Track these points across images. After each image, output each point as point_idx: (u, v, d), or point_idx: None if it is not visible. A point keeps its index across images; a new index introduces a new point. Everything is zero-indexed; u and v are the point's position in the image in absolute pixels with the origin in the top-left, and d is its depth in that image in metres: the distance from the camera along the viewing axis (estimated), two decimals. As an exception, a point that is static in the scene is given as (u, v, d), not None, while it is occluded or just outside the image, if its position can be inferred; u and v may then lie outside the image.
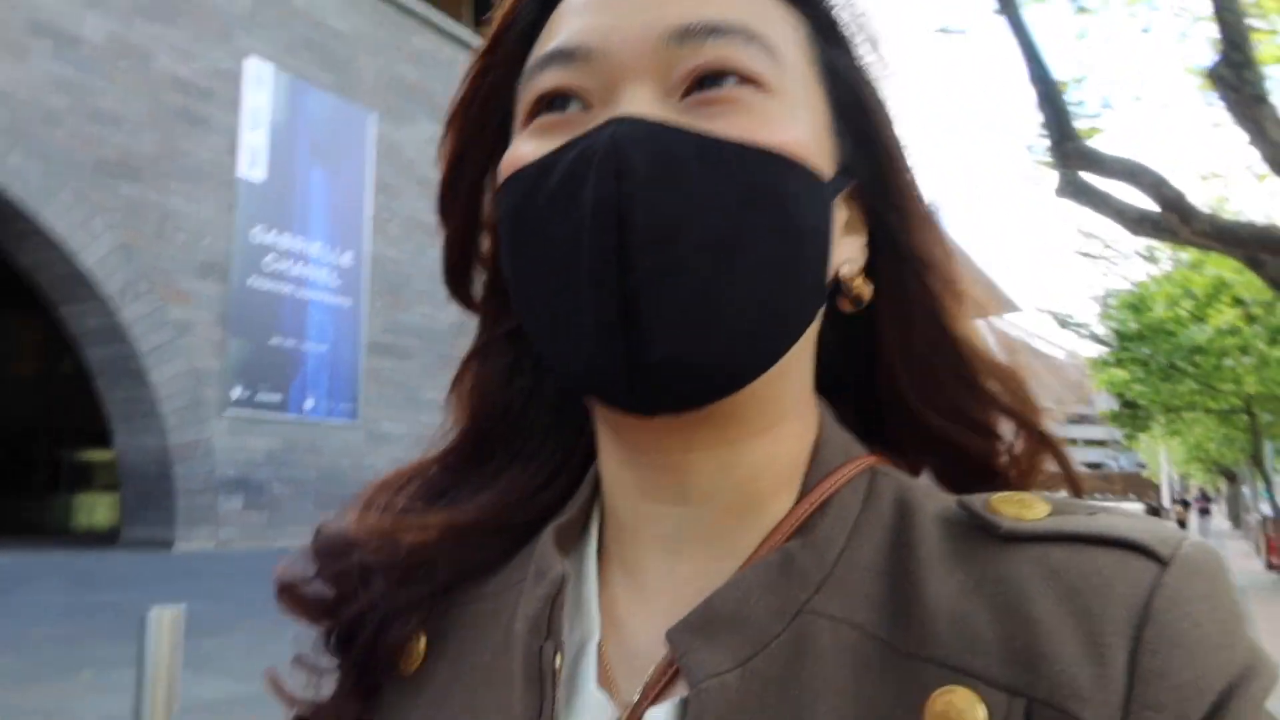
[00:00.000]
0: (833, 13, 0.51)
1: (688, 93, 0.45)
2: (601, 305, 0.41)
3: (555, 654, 0.45)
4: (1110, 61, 17.07)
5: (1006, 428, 0.52)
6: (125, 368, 12.28)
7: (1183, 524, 24.83)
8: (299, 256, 13.77)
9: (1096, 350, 17.57)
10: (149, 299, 12.26)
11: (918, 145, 0.52)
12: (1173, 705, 0.37)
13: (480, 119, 0.52)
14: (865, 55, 0.51)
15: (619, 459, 0.49)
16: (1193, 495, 27.08)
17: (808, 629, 0.42)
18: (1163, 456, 36.61)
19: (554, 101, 0.46)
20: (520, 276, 0.46)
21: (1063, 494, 0.48)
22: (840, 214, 0.49)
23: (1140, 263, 14.77)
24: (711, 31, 0.44)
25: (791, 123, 0.45)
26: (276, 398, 13.28)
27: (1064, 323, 16.23)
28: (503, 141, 0.51)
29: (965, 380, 0.51)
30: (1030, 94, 6.21)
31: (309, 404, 13.60)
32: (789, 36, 0.47)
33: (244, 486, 13.04)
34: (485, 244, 0.55)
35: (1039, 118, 6.40)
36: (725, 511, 0.47)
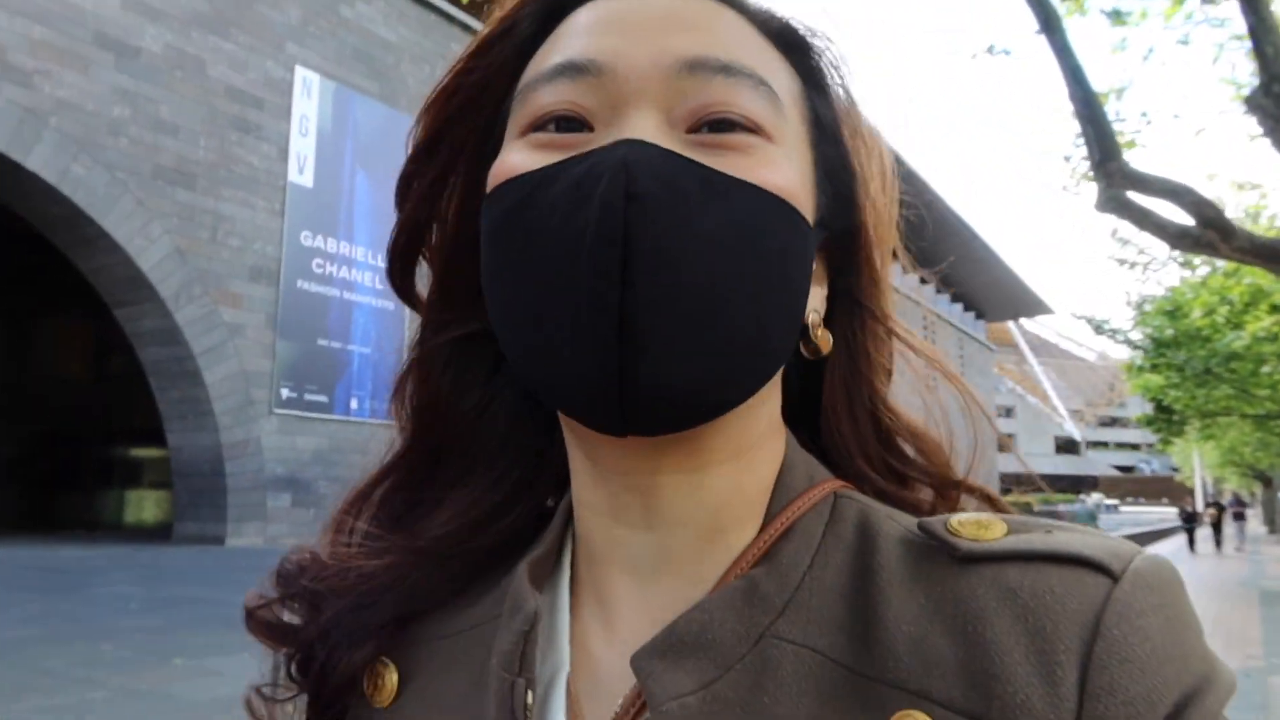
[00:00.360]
0: (820, 63, 0.51)
1: (694, 129, 0.44)
2: (599, 321, 0.40)
3: (527, 690, 0.45)
4: (1149, 74, 17.08)
5: (925, 484, 0.53)
6: (180, 369, 12.72)
7: (1217, 526, 24.60)
8: (345, 260, 14.19)
9: (1131, 355, 17.73)
10: (202, 302, 12.70)
11: (884, 201, 0.52)
12: None
13: (460, 113, 0.51)
14: (846, 108, 0.51)
15: (590, 480, 0.49)
16: (1227, 499, 26.89)
17: (770, 653, 0.42)
18: (1196, 460, 36.24)
19: (557, 119, 0.45)
20: (504, 284, 0.45)
21: (1022, 516, 0.47)
22: (815, 263, 0.50)
23: (1175, 269, 14.93)
24: (723, 69, 0.44)
25: (790, 169, 0.45)
26: (323, 398, 13.69)
27: (1099, 328, 16.37)
28: (479, 140, 0.51)
29: (885, 438, 0.52)
30: (1070, 110, 6.45)
31: (354, 404, 14.00)
32: (787, 87, 0.48)
33: (292, 484, 13.46)
34: (434, 237, 0.54)
35: (1076, 128, 6.63)
36: (694, 538, 0.47)
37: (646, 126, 0.43)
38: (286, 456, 13.46)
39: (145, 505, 16.99)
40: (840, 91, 0.51)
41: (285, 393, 13.29)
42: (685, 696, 0.41)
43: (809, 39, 0.51)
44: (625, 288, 0.40)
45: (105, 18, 11.94)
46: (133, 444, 17.08)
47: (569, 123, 0.45)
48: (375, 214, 14.78)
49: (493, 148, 0.49)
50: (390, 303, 15.00)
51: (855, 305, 0.52)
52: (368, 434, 14.56)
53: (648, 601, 0.47)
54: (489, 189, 0.46)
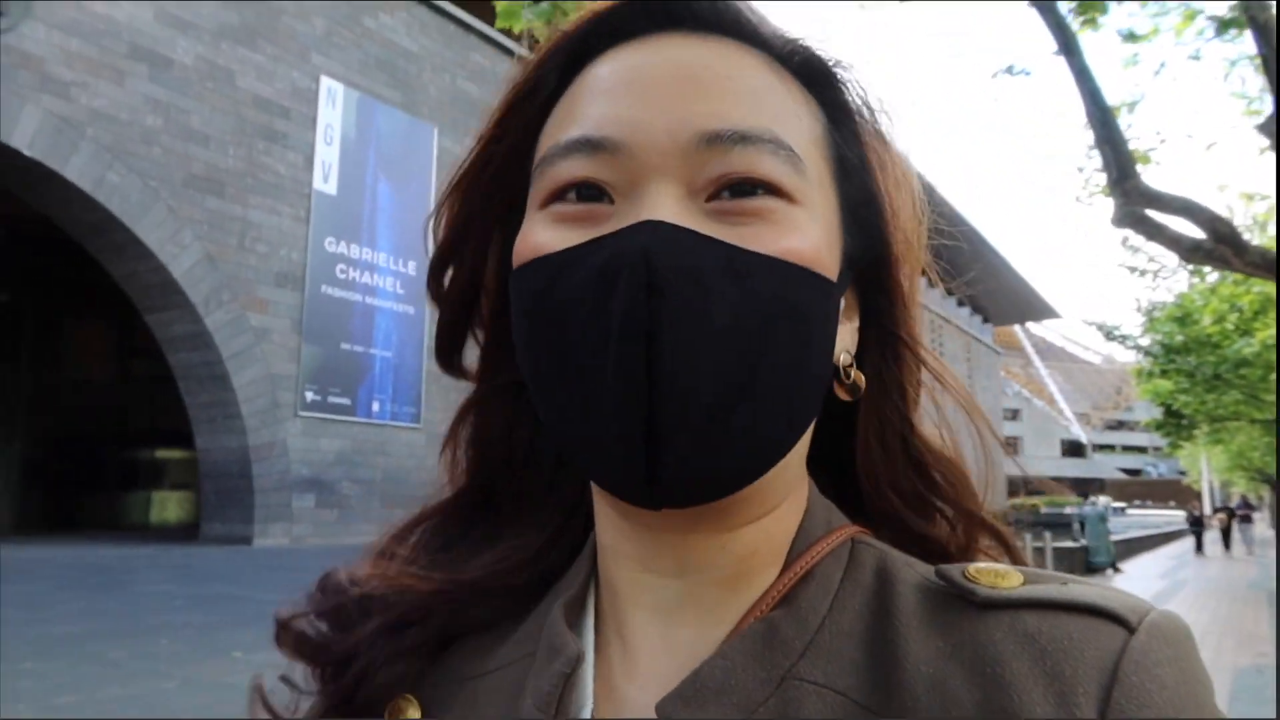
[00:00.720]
0: (845, 97, 0.51)
1: (713, 195, 0.44)
2: (626, 421, 0.41)
3: None
4: (1160, 88, 17.12)
5: (947, 512, 0.53)
6: (210, 372, 13.00)
7: (1226, 531, 24.68)
8: (367, 266, 14.48)
9: (1140, 360, 17.94)
10: (231, 307, 12.98)
11: (914, 229, 0.52)
12: None
13: (490, 187, 0.52)
14: (872, 140, 0.51)
15: (618, 532, 0.49)
16: (1234, 503, 27.01)
17: (792, 694, 0.43)
18: (1204, 464, 36.28)
19: (577, 189, 0.46)
20: (539, 368, 0.46)
21: (1036, 569, 0.47)
22: (847, 300, 0.50)
23: (1185, 276, 15.15)
24: (741, 139, 0.44)
25: (813, 230, 0.45)
26: (346, 401, 13.97)
27: (1110, 334, 16.59)
28: (509, 209, 0.51)
29: (918, 466, 0.53)
30: (1083, 122, 6.68)
31: (375, 407, 14.28)
32: (808, 133, 0.48)
33: (316, 485, 13.74)
34: (484, 306, 0.54)
35: (1088, 139, 6.82)
36: (719, 584, 0.47)
37: (666, 202, 0.44)
38: (311, 458, 13.74)
39: (169, 506, 17.29)
40: (866, 123, 0.52)
41: (310, 396, 13.57)
42: None
43: (832, 70, 0.51)
44: (651, 386, 0.41)
45: (139, 30, 12.25)
46: (156, 446, 17.41)
47: (589, 188, 0.45)
48: (397, 220, 15.07)
49: (521, 210, 0.49)
50: (411, 307, 15.28)
51: (886, 334, 0.53)
52: (388, 436, 14.86)
53: (670, 642, 0.48)
54: (515, 264, 0.47)
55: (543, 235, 0.45)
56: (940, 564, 0.47)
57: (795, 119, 0.48)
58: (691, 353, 0.41)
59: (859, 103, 0.51)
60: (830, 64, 0.51)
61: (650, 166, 0.44)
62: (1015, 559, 0.53)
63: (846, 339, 0.51)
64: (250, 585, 9.17)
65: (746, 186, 0.44)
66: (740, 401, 0.42)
